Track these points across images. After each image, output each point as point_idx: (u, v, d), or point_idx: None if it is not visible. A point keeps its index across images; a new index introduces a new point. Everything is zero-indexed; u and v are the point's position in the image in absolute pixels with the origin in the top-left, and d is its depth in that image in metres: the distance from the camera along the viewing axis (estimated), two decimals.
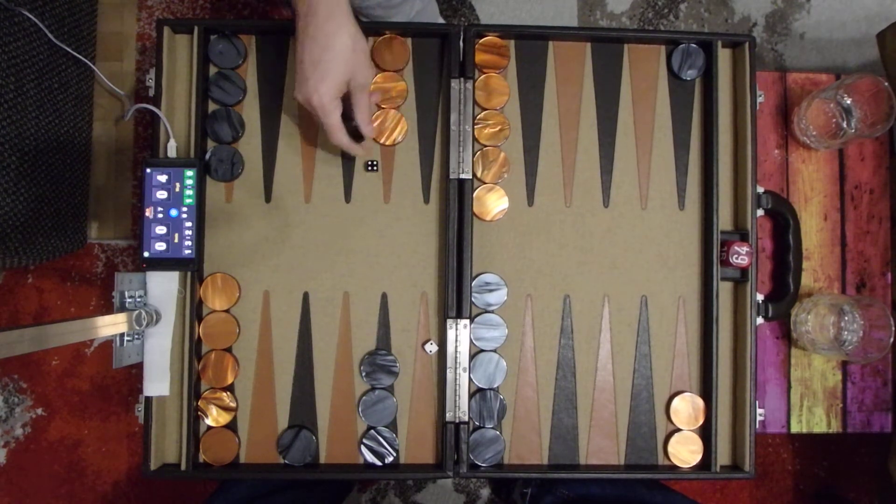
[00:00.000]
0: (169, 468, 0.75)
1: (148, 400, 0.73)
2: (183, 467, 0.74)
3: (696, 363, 0.80)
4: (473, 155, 0.78)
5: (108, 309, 1.13)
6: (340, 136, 0.70)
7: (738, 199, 0.80)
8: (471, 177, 0.77)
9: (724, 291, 0.80)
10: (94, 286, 1.17)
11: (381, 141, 0.78)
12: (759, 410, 0.79)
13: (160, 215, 0.73)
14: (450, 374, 0.75)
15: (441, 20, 1.13)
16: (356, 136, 0.73)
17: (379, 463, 0.77)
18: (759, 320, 0.81)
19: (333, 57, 0.65)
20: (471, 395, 0.77)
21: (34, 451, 1.15)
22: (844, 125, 0.82)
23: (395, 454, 0.77)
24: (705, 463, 0.78)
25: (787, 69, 1.23)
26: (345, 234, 0.78)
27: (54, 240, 1.01)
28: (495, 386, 0.78)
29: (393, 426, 0.78)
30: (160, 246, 0.73)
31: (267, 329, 0.78)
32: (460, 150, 0.77)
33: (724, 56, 0.81)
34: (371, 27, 0.82)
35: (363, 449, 0.77)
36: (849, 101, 0.82)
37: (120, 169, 1.14)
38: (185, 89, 0.78)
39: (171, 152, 0.76)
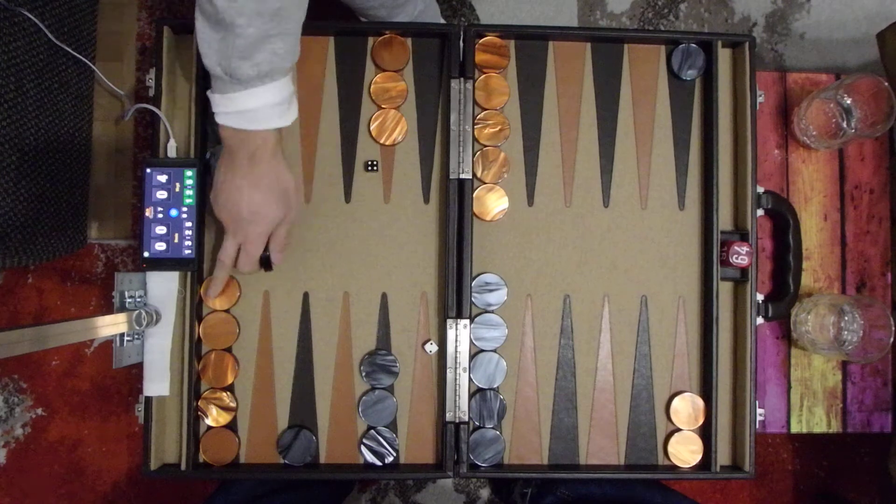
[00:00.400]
0: (169, 468, 0.75)
1: (148, 400, 0.73)
2: (183, 467, 0.74)
3: (696, 363, 0.80)
4: (473, 155, 0.78)
5: (108, 309, 1.13)
6: (253, 266, 0.71)
7: (738, 199, 0.80)
8: (471, 177, 0.77)
9: (724, 291, 0.80)
10: (94, 286, 1.17)
11: (382, 141, 0.78)
12: (759, 410, 0.79)
13: (160, 215, 0.73)
14: (450, 374, 0.75)
15: (441, 20, 1.13)
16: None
17: (379, 463, 0.77)
18: (759, 320, 0.81)
19: (275, 203, 0.67)
20: (471, 395, 0.77)
21: (34, 451, 1.15)
22: (844, 125, 0.82)
23: (395, 454, 0.77)
24: (705, 463, 0.78)
25: (787, 69, 1.23)
26: (345, 234, 0.78)
27: (54, 240, 1.01)
28: (495, 386, 0.78)
29: (393, 426, 0.77)
30: (160, 246, 0.73)
31: (267, 329, 0.78)
32: (460, 150, 0.77)
33: (724, 56, 0.81)
34: (371, 27, 0.82)
35: (363, 449, 0.77)
36: (849, 101, 0.82)
37: (120, 169, 1.14)
38: (185, 89, 0.78)
39: (171, 152, 0.76)
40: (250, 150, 0.64)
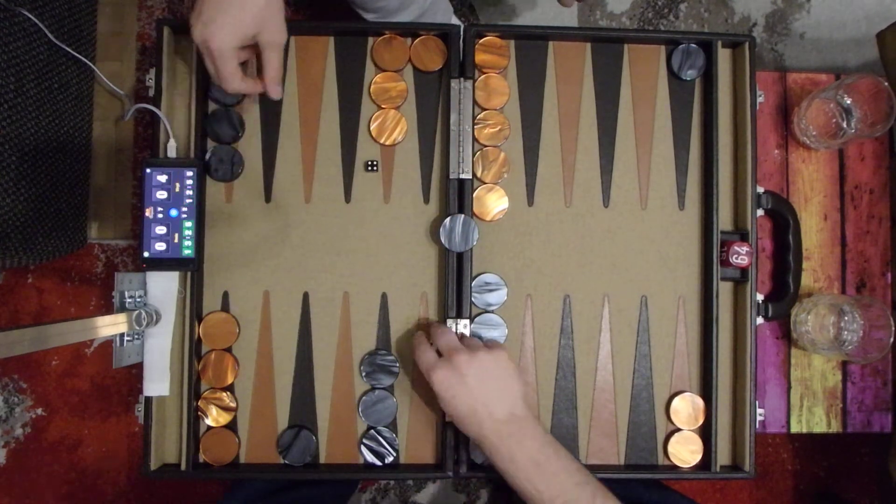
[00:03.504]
0: (169, 468, 0.75)
1: (148, 400, 0.73)
2: (183, 467, 0.74)
3: (696, 363, 0.80)
4: (473, 155, 0.78)
5: (108, 309, 1.13)
6: (236, 84, 0.64)
7: (738, 199, 0.80)
8: (471, 177, 0.77)
9: (724, 291, 0.80)
10: (94, 286, 1.17)
11: (382, 141, 0.78)
12: (759, 410, 0.79)
13: (160, 215, 0.73)
14: None
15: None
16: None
17: (379, 463, 0.77)
18: (759, 320, 0.81)
19: (243, 7, 0.61)
20: None
21: (34, 451, 1.15)
22: (844, 125, 0.82)
23: (395, 454, 0.77)
24: (705, 463, 0.78)
25: (787, 69, 1.23)
26: (345, 234, 0.78)
27: (54, 240, 1.01)
28: None
29: (393, 426, 0.77)
30: (160, 246, 0.73)
31: (267, 329, 0.78)
32: (460, 150, 0.77)
33: (724, 56, 0.81)
34: (371, 27, 0.82)
35: (363, 449, 0.77)
36: (849, 101, 0.82)
37: (120, 169, 1.14)
38: (185, 89, 0.78)
39: (171, 152, 0.76)
40: None
